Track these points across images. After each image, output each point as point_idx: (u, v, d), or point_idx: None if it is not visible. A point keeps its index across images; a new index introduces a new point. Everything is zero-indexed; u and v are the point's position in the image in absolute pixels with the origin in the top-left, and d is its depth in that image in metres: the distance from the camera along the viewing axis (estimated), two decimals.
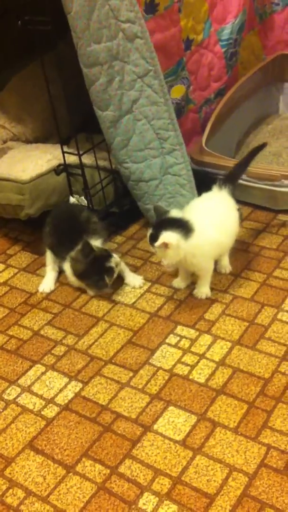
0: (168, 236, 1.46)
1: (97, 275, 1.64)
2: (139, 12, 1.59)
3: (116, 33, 1.60)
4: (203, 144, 1.97)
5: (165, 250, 1.47)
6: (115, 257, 1.65)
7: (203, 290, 1.64)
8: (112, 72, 1.65)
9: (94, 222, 1.74)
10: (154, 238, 1.48)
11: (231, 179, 1.68)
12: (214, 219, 1.56)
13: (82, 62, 1.60)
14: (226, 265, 1.71)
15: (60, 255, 1.72)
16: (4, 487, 1.21)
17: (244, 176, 1.92)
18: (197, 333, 1.53)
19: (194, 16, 1.97)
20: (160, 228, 1.49)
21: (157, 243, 1.47)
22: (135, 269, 1.78)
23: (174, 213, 1.54)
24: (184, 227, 1.49)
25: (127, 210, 1.92)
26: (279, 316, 1.55)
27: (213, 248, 1.59)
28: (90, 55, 1.59)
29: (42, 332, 1.59)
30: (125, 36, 1.62)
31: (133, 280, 1.71)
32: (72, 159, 1.77)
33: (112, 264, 1.63)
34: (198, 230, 1.50)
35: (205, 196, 1.67)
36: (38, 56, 2.04)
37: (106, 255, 1.64)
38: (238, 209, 1.66)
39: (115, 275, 1.66)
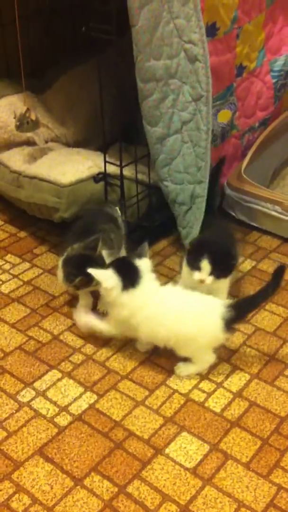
0: (105, 276, 1.37)
1: (75, 269, 1.50)
2: (204, 35, 1.59)
3: (177, 52, 1.60)
4: (242, 172, 1.98)
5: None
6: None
7: None
8: (167, 90, 1.64)
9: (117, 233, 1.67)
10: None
11: (237, 311, 1.41)
12: (162, 304, 1.40)
13: (138, 76, 1.60)
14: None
15: (67, 244, 1.58)
16: (10, 491, 1.20)
17: (278, 208, 1.92)
18: (217, 360, 1.52)
19: (250, 43, 1.98)
20: (112, 266, 1.40)
21: (91, 270, 1.38)
22: None
23: (141, 264, 1.41)
24: (130, 279, 1.38)
25: (157, 226, 1.92)
26: None
27: (122, 314, 1.40)
28: (148, 70, 1.59)
29: (61, 337, 1.58)
30: (187, 57, 1.61)
31: None
32: (112, 169, 1.77)
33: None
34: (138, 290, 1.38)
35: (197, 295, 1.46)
36: (88, 59, 2.07)
37: (99, 263, 1.46)
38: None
39: (89, 287, 1.52)
